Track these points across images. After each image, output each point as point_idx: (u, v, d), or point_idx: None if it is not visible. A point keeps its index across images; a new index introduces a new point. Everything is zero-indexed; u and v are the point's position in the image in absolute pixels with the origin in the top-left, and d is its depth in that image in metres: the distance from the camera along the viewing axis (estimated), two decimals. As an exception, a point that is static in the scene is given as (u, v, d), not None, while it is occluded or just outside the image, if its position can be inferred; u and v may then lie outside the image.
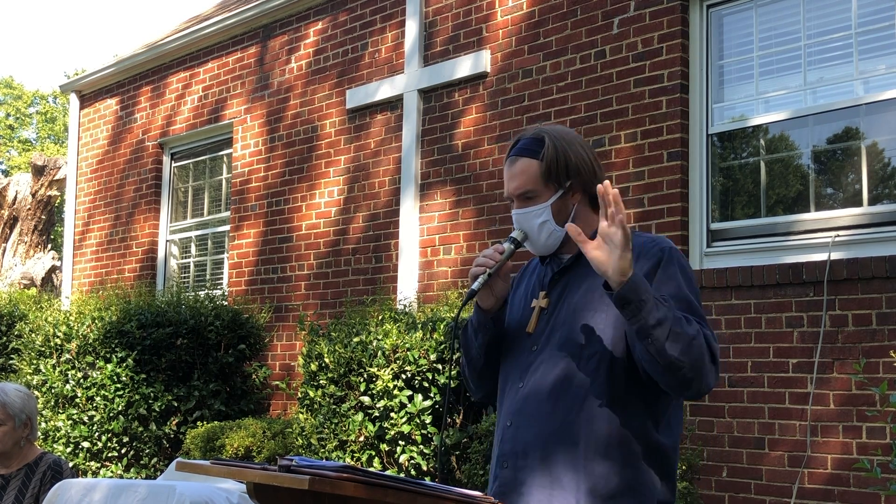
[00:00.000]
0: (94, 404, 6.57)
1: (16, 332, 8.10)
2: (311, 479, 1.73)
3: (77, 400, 6.63)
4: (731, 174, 5.38)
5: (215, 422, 6.40)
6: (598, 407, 2.11)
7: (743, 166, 5.35)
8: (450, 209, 6.41)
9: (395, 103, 6.88)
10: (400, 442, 5.08)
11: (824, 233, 4.86)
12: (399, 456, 5.06)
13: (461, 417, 4.99)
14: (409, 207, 6.59)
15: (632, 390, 2.12)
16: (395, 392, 5.09)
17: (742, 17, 5.35)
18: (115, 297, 7.16)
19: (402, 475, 4.79)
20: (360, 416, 5.18)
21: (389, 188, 6.83)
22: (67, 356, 6.80)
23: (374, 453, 5.19)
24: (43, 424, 6.68)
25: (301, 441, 5.57)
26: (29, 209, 12.54)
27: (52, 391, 6.73)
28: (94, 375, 6.59)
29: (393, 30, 6.99)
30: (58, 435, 6.62)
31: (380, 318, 5.54)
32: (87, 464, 6.56)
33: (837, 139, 5.03)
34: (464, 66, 6.42)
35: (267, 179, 7.75)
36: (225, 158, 8.48)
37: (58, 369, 6.79)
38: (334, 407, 5.38)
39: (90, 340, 6.72)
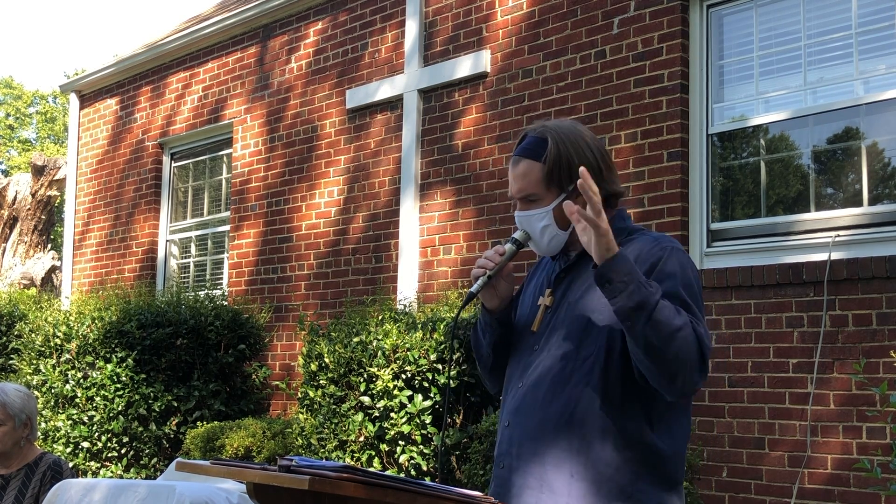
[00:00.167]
0: (94, 404, 6.57)
1: (16, 332, 8.09)
2: (311, 479, 1.73)
3: (77, 400, 6.63)
4: (732, 174, 5.38)
5: (215, 422, 6.40)
6: (592, 410, 2.08)
7: (743, 166, 5.34)
8: (450, 209, 6.41)
9: (395, 103, 6.88)
10: (400, 442, 5.08)
11: (824, 233, 4.86)
12: (399, 456, 5.06)
13: (461, 417, 4.99)
14: (409, 207, 6.58)
15: (628, 393, 2.08)
16: (395, 392, 5.09)
17: (742, 17, 5.35)
18: (114, 297, 7.16)
19: (402, 475, 4.79)
20: (360, 417, 5.18)
21: (389, 188, 6.83)
22: (67, 356, 6.80)
23: (374, 453, 5.19)
24: (43, 424, 6.67)
25: (301, 441, 5.57)
26: (29, 209, 12.53)
27: (52, 391, 6.72)
28: (94, 375, 6.59)
29: (393, 30, 6.98)
30: (58, 435, 6.61)
31: (380, 318, 5.53)
32: (87, 464, 6.56)
33: (837, 139, 5.02)
34: (464, 66, 6.42)
35: (267, 179, 7.75)
36: (225, 158, 8.48)
37: (58, 369, 6.79)
38: (334, 407, 5.38)
39: (90, 340, 6.71)
